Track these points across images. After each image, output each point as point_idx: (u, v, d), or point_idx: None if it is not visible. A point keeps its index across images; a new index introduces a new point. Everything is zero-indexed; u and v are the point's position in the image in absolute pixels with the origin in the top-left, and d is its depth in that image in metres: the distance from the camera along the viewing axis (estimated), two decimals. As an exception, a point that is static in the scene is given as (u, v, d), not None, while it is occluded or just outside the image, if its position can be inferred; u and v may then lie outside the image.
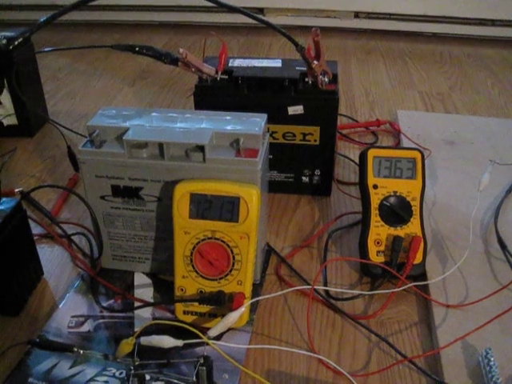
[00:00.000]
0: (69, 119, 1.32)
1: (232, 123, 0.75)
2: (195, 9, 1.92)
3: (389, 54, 1.79)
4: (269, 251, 0.87)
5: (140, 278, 0.83)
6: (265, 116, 0.76)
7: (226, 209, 0.69)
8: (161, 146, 0.72)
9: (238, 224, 0.69)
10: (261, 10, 1.94)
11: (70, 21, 1.95)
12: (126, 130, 0.74)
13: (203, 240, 0.71)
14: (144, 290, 0.81)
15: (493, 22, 1.87)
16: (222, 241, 0.70)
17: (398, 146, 1.19)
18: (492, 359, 0.67)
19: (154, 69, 1.61)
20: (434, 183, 1.04)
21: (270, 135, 0.95)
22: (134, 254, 0.82)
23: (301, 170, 0.99)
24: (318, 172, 0.99)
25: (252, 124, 0.74)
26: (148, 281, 0.82)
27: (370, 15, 1.91)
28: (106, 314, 0.78)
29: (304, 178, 1.00)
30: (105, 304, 0.79)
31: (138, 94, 1.45)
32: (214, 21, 1.93)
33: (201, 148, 0.71)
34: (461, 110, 1.38)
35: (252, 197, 0.69)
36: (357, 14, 1.91)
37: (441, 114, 1.35)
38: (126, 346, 0.65)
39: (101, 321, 0.77)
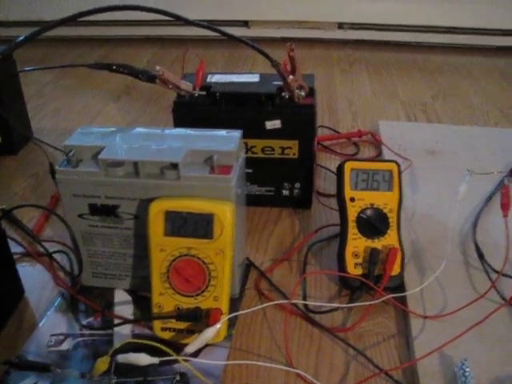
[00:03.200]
0: (53, 136, 1.32)
1: (207, 140, 0.75)
2: (180, 23, 1.92)
3: (372, 64, 1.80)
4: (248, 265, 0.88)
5: (120, 295, 0.83)
6: (240, 132, 0.77)
7: (201, 226, 0.70)
8: (136, 164, 0.72)
9: (212, 240, 0.70)
10: (245, 23, 1.94)
11: (55, 36, 1.95)
12: (102, 148, 0.74)
13: (179, 257, 0.71)
14: (124, 306, 0.82)
15: (476, 31, 1.87)
16: (198, 257, 0.71)
17: (379, 156, 1.19)
18: (467, 370, 0.67)
19: (138, 84, 1.61)
20: (415, 193, 1.04)
21: (249, 150, 0.95)
22: (113, 272, 0.82)
23: (281, 184, 1.00)
24: (298, 185, 0.99)
25: (226, 141, 0.75)
26: (128, 298, 0.83)
27: (353, 26, 1.92)
28: (85, 331, 0.78)
29: (284, 191, 1.00)
30: (84, 322, 0.79)
31: (121, 110, 1.45)
32: (198, 34, 1.93)
33: (175, 166, 0.71)
34: (443, 120, 1.39)
35: (226, 213, 0.69)
36: (340, 25, 1.92)
37: (422, 123, 1.36)
38: (102, 364, 0.65)
39: (80, 339, 0.77)
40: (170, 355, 0.66)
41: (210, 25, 0.80)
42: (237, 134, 0.77)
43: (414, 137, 1.25)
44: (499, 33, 1.87)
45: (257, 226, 0.99)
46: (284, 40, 1.95)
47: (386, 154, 1.18)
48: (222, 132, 0.78)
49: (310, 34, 1.94)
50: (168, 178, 0.72)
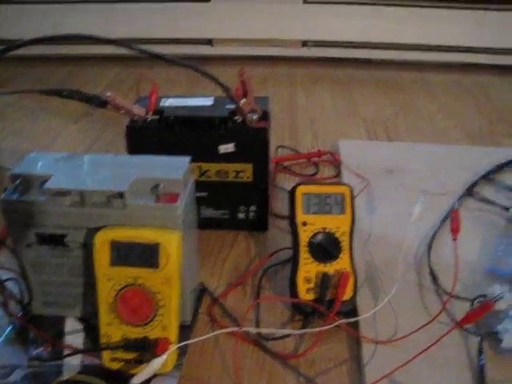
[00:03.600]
0: (14, 158, 1.30)
1: (155, 168, 0.75)
2: (143, 41, 1.92)
3: (336, 81, 1.80)
4: (202, 291, 0.87)
5: (71, 324, 0.82)
6: (188, 158, 0.76)
7: (146, 255, 0.69)
8: (82, 193, 0.71)
9: (158, 270, 0.69)
10: (209, 41, 1.94)
11: (20, 55, 1.94)
12: (49, 177, 0.73)
13: (126, 287, 0.71)
14: (75, 336, 0.81)
15: (439, 48, 1.89)
16: (145, 287, 0.71)
17: (338, 176, 1.19)
18: (415, 396, 0.67)
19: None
20: (372, 214, 1.04)
21: (203, 173, 0.95)
22: (64, 300, 0.81)
23: (236, 207, 0.99)
24: (253, 208, 0.99)
25: (174, 168, 0.74)
26: (79, 326, 0.82)
27: (317, 43, 1.92)
28: (34, 363, 0.76)
29: (240, 214, 1.00)
30: (34, 352, 0.78)
31: (81, 132, 1.44)
32: (161, 52, 1.92)
33: (121, 195, 0.70)
34: (404, 137, 1.40)
35: (171, 242, 0.69)
36: (304, 43, 1.92)
37: (382, 142, 1.36)
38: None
39: (28, 370, 0.75)
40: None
41: (146, 50, 0.79)
42: (185, 160, 0.76)
43: (373, 156, 1.25)
44: (463, 49, 1.88)
45: (212, 249, 0.98)
46: (249, 58, 1.95)
47: (345, 174, 1.18)
48: (171, 158, 0.77)
49: (274, 52, 1.94)
50: (114, 206, 0.72)
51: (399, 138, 1.39)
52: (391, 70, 1.90)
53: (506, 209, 1.06)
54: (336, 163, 1.24)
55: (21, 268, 0.79)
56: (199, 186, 0.92)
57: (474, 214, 1.06)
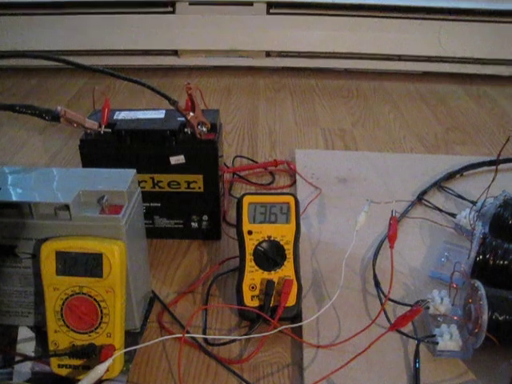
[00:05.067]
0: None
1: (101, 180, 0.78)
2: (109, 52, 1.95)
3: (297, 91, 1.84)
4: (152, 298, 0.89)
5: (24, 332, 0.84)
6: (133, 171, 0.79)
7: (91, 265, 0.72)
8: (29, 205, 0.74)
9: (102, 279, 0.72)
10: (175, 52, 1.97)
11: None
12: (-1, 189, 0.75)
13: (72, 295, 0.73)
14: (26, 344, 0.83)
15: (399, 57, 1.93)
16: (90, 295, 0.73)
17: (293, 184, 1.22)
18: (350, 398, 0.70)
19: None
20: (322, 222, 1.08)
21: (156, 184, 0.98)
22: (16, 309, 0.83)
23: (189, 216, 1.02)
24: (205, 217, 1.02)
25: (119, 181, 0.77)
26: (31, 334, 0.84)
27: (280, 54, 1.96)
28: (-14, 370, 0.78)
29: (193, 223, 1.03)
30: (-15, 361, 0.80)
31: (46, 143, 1.46)
32: (129, 63, 1.96)
33: (67, 206, 0.73)
34: (360, 146, 1.43)
35: (114, 253, 0.72)
36: (268, 53, 1.96)
37: (337, 151, 1.40)
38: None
39: (-20, 378, 0.77)
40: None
41: (70, 60, 0.82)
42: (130, 172, 0.79)
43: (327, 165, 1.29)
44: (422, 59, 1.93)
45: (165, 258, 1.01)
46: (214, 68, 1.98)
47: (299, 183, 1.21)
48: (118, 171, 0.80)
49: (238, 62, 1.97)
50: (61, 218, 0.74)
51: (356, 147, 1.43)
52: (352, 80, 1.94)
53: (453, 216, 1.09)
54: (291, 172, 1.27)
55: (-27, 278, 0.81)
56: (152, 196, 0.95)
57: (423, 221, 1.09)
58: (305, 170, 1.26)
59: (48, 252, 0.73)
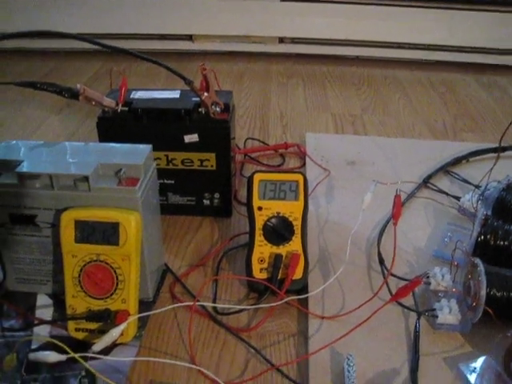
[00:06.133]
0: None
1: (118, 155, 0.81)
2: (125, 36, 1.98)
3: (309, 77, 1.87)
4: (165, 271, 0.93)
5: (42, 299, 0.88)
6: (149, 147, 0.83)
7: (108, 233, 0.76)
8: (50, 177, 0.78)
9: (118, 247, 0.76)
10: (190, 37, 2.00)
11: (3, 48, 1.99)
12: (21, 162, 0.79)
13: (89, 262, 0.77)
14: (45, 310, 0.87)
15: (410, 46, 1.95)
16: (106, 263, 0.77)
17: (303, 167, 1.25)
18: (352, 364, 0.74)
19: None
20: (330, 202, 1.11)
21: (170, 162, 1.01)
22: (35, 277, 0.87)
23: (201, 194, 1.06)
24: (217, 195, 1.05)
25: (136, 155, 0.81)
26: (49, 301, 0.88)
27: (294, 40, 1.99)
28: (6, 333, 0.82)
29: (205, 200, 1.06)
30: (6, 324, 0.84)
31: (63, 122, 1.50)
32: (143, 47, 1.99)
33: (86, 178, 0.77)
34: (369, 131, 1.46)
35: (130, 222, 0.76)
36: (281, 40, 1.99)
37: (346, 135, 1.43)
38: (10, 361, 0.71)
39: (1, 340, 0.81)
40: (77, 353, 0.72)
41: (96, 40, 0.85)
42: (146, 148, 0.83)
43: (337, 148, 1.32)
44: (433, 48, 1.96)
45: (178, 233, 1.04)
46: (227, 54, 2.01)
47: (309, 165, 1.24)
48: (134, 146, 0.83)
49: (252, 48, 2.00)
50: (80, 189, 0.78)
51: (365, 133, 1.46)
52: (363, 67, 1.97)
53: (457, 199, 1.12)
54: (301, 155, 1.31)
55: (-5, 247, 0.85)
56: (166, 173, 0.99)
57: (428, 203, 1.12)
58: (314, 152, 1.29)
59: (67, 221, 0.77)
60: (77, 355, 0.71)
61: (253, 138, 1.38)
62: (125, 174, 0.78)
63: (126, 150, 0.83)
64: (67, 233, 0.77)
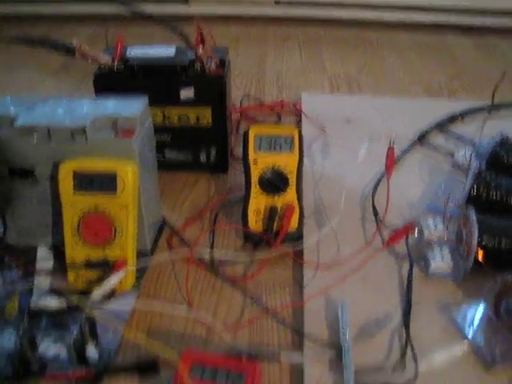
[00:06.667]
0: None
1: (114, 107, 0.82)
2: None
3: (305, 40, 1.87)
4: (162, 225, 0.95)
5: (42, 252, 0.90)
6: (145, 99, 0.84)
7: (106, 183, 0.77)
8: (48, 130, 0.79)
9: (116, 197, 0.77)
10: (185, 0, 2.00)
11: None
12: (17, 117, 0.80)
13: (88, 212, 0.79)
14: (45, 262, 0.88)
15: (407, 8, 1.95)
16: (104, 212, 0.78)
17: (298, 124, 1.26)
18: (345, 310, 0.75)
19: (75, 61, 1.67)
20: (325, 159, 1.13)
21: (166, 118, 1.03)
22: (35, 230, 0.89)
23: (198, 150, 1.07)
24: (213, 151, 1.07)
25: (132, 107, 0.82)
26: (49, 254, 0.89)
27: (290, 3, 1.98)
28: (8, 284, 0.84)
29: (202, 157, 1.08)
30: (7, 276, 0.85)
31: (58, 86, 1.51)
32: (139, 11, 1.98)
33: (83, 130, 0.78)
34: (365, 91, 1.47)
35: (127, 172, 0.77)
36: (278, 2, 1.98)
37: (342, 95, 1.44)
38: (11, 307, 0.73)
39: (2, 291, 0.83)
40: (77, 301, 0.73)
41: None
42: (143, 101, 0.84)
43: (332, 107, 1.33)
44: (430, 9, 1.95)
45: (175, 189, 1.06)
46: (223, 17, 2.01)
47: (305, 123, 1.25)
48: (131, 99, 0.84)
49: (247, 11, 2.00)
50: (77, 141, 0.80)
51: (361, 93, 1.46)
52: (359, 30, 1.97)
53: (451, 155, 1.14)
54: (297, 113, 1.32)
55: (-5, 201, 0.87)
56: (163, 129, 1.00)
57: (422, 160, 1.14)
58: (310, 111, 1.30)
59: (66, 172, 0.78)
60: (77, 301, 0.72)
61: (249, 96, 1.38)
62: (121, 126, 0.79)
63: (122, 102, 0.84)
64: (65, 184, 0.78)
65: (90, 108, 0.83)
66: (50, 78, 1.56)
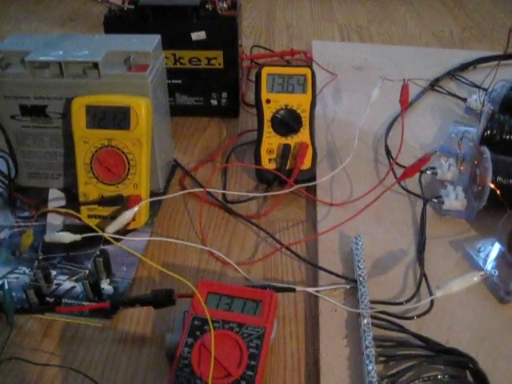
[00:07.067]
0: None
1: (127, 43, 0.82)
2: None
3: (315, -10, 1.85)
4: (174, 166, 0.94)
5: (54, 193, 0.90)
6: (158, 37, 0.83)
7: (119, 118, 0.77)
8: (60, 65, 0.78)
9: (129, 131, 0.77)
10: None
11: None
12: (30, 53, 0.80)
13: (101, 148, 0.78)
14: (57, 202, 0.88)
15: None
16: (118, 148, 0.78)
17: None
18: (360, 243, 0.75)
19: (84, 11, 1.66)
20: (337, 103, 1.12)
21: (177, 61, 1.02)
22: (47, 171, 0.89)
23: (209, 94, 1.06)
24: (225, 95, 1.06)
25: (145, 43, 0.81)
26: (61, 195, 0.89)
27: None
28: (21, 223, 0.84)
29: (213, 101, 1.07)
30: (20, 215, 0.86)
31: (67, 35, 1.49)
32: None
33: (96, 65, 0.77)
34: (376, 41, 1.46)
35: (141, 106, 0.76)
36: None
37: (353, 43, 1.43)
38: (26, 238, 0.73)
39: (16, 230, 0.83)
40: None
41: None
42: (155, 37, 0.83)
43: (343, 55, 1.32)
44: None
45: (186, 133, 1.05)
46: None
47: (315, 70, 1.23)
48: (143, 36, 0.84)
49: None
50: (90, 76, 0.79)
51: (371, 42, 1.45)
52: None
53: (464, 99, 1.13)
54: (308, 61, 1.31)
55: (6, 141, 0.86)
56: (174, 73, 1.00)
57: (435, 105, 1.13)
58: (321, 58, 1.29)
59: (78, 106, 0.78)
60: (91, 234, 0.72)
61: (259, 46, 1.37)
62: (134, 61, 0.78)
63: (135, 39, 0.83)
64: (78, 119, 0.78)
65: (103, 44, 0.82)
66: (57, 30, 1.55)
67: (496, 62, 1.17)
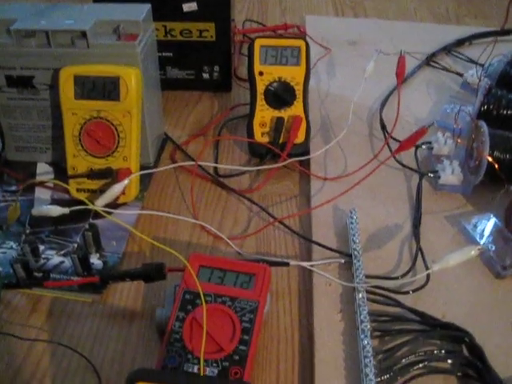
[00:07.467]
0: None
1: (116, 12, 0.79)
2: None
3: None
4: (165, 140, 0.92)
5: (42, 167, 0.88)
6: (148, 6, 0.81)
7: (108, 89, 0.75)
8: (47, 34, 0.76)
9: (119, 102, 0.75)
10: None
11: None
12: (16, 21, 0.77)
13: (89, 120, 0.76)
14: (45, 176, 0.86)
15: None
16: (107, 119, 0.76)
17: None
18: (355, 217, 0.74)
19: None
20: (331, 78, 1.10)
21: (168, 33, 0.99)
22: (35, 145, 0.87)
23: (200, 67, 1.04)
24: (217, 68, 1.04)
25: (134, 12, 0.79)
26: (49, 169, 0.87)
27: None
28: (8, 197, 0.82)
29: (204, 74, 1.05)
30: (7, 189, 0.84)
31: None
32: None
33: (84, 34, 0.75)
34: (370, 16, 1.43)
35: (131, 76, 0.74)
36: None
37: (348, 18, 1.40)
38: (13, 211, 0.71)
39: (2, 204, 0.81)
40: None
41: None
42: (145, 6, 0.81)
43: (337, 29, 1.30)
44: None
45: (177, 107, 1.03)
46: None
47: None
48: (133, 5, 0.81)
49: None
50: (78, 46, 0.77)
51: (366, 17, 1.43)
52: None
53: (460, 75, 1.11)
54: (301, 35, 1.28)
55: (-8, 114, 0.84)
56: (165, 45, 0.97)
57: (430, 80, 1.11)
58: (315, 33, 1.27)
59: (66, 76, 0.76)
60: (80, 207, 0.70)
61: (251, 20, 1.35)
62: (124, 30, 0.76)
63: (124, 8, 0.81)
64: (66, 89, 0.76)
65: (91, 13, 0.80)
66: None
67: (491, 38, 1.16)
